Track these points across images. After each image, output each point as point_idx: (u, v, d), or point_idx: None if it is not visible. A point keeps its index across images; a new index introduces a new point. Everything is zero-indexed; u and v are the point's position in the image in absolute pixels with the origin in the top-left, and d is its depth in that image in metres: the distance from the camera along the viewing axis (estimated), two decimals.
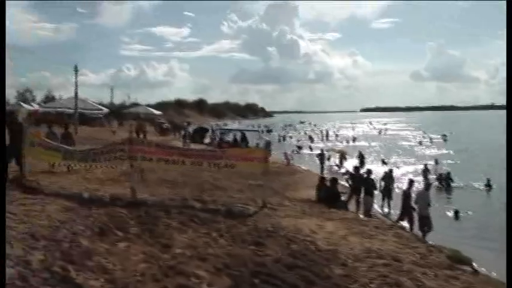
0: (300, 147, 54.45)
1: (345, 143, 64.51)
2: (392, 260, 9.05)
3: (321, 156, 36.85)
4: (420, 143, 65.54)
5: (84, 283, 6.30)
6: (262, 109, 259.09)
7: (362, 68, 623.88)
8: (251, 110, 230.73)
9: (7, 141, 13.84)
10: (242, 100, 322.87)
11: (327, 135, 79.63)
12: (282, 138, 73.43)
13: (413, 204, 17.42)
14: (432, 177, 32.10)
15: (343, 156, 40.72)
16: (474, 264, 11.05)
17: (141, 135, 34.95)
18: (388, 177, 22.80)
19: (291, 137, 77.67)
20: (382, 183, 22.37)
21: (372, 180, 20.30)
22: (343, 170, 34.08)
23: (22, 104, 68.03)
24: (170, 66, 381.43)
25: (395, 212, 20.43)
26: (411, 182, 18.74)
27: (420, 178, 30.93)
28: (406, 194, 17.96)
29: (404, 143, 68.29)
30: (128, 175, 13.42)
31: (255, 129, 70.17)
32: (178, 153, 13.26)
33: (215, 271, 7.31)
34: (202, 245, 8.70)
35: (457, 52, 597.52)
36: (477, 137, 70.18)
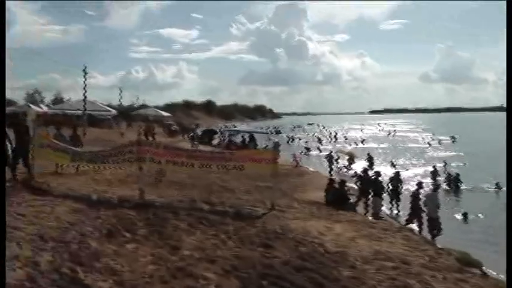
0: (308, 149, 54.36)
1: (353, 145, 64.42)
2: (401, 263, 9.01)
3: (330, 158, 36.82)
4: (429, 144, 65.31)
5: (92, 284, 6.30)
6: (271, 111, 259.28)
7: (370, 69, 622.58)
8: (259, 112, 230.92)
9: (12, 143, 13.96)
10: (250, 102, 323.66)
11: (336, 137, 79.52)
12: (290, 139, 73.36)
13: (422, 206, 17.34)
14: (441, 179, 32.01)
15: (351, 158, 40.62)
16: (483, 267, 10.99)
17: (150, 137, 35.02)
18: (396, 179, 22.71)
19: (299, 139, 77.55)
20: (390, 186, 22.28)
21: (381, 182, 20.25)
22: (351, 172, 34.00)
23: (31, 105, 68.28)
24: (179, 68, 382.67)
25: (404, 214, 20.39)
26: (420, 184, 18.64)
27: (429, 180, 30.85)
28: (415, 196, 17.86)
29: (413, 144, 68.07)
30: (137, 176, 13.45)
31: (263, 131, 70.13)
32: (186, 155, 13.28)
33: (223, 273, 7.29)
34: (210, 246, 8.69)
35: (466, 53, 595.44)
36: (486, 138, 69.71)
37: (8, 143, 13.93)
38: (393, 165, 38.74)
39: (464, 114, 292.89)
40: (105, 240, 8.40)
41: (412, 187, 21.64)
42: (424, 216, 17.16)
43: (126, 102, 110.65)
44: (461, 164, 41.29)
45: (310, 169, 34.34)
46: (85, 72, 56.80)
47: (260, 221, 11.17)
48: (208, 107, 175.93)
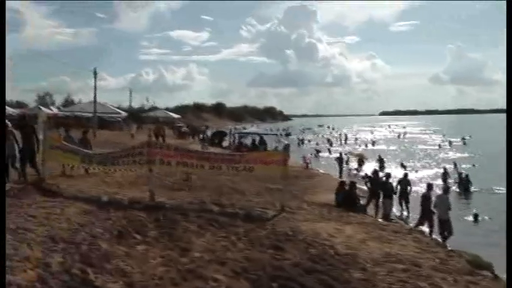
0: (318, 151, 54.23)
1: (363, 147, 64.26)
2: (412, 265, 8.97)
3: (340, 160, 36.72)
4: (439, 146, 65.00)
5: (102, 286, 6.31)
6: (281, 112, 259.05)
7: (381, 71, 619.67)
8: (269, 114, 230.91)
9: (19, 144, 14.10)
10: (260, 104, 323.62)
11: (346, 139, 79.37)
12: (300, 141, 73.28)
13: (432, 208, 17.24)
14: (451, 181, 31.85)
15: (361, 160, 40.50)
16: (495, 269, 10.90)
17: (160, 139, 35.05)
18: (404, 180, 22.60)
19: (309, 141, 77.47)
20: (399, 187, 22.17)
21: (391, 184, 20.18)
22: (361, 174, 33.90)
23: (41, 107, 68.72)
24: (189, 70, 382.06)
25: (413, 216, 20.31)
26: (430, 186, 18.53)
27: (439, 182, 30.69)
28: (426, 198, 17.76)
29: (423, 146, 67.74)
30: (147, 178, 13.48)
31: (273, 133, 70.08)
32: (196, 156, 13.26)
33: (233, 275, 7.29)
34: (220, 248, 8.69)
35: (477, 55, 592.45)
36: (497, 140, 69.32)
37: (15, 144, 14.08)
38: (403, 167, 38.53)
39: (475, 115, 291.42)
40: (115, 241, 8.42)
41: (422, 189, 21.55)
42: (435, 218, 17.08)
43: (136, 104, 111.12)
44: (472, 166, 41.03)
45: (320, 171, 34.29)
46: (95, 75, 57.16)
47: (270, 223, 11.15)
48: (218, 109, 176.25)
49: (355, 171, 37.78)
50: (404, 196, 22.00)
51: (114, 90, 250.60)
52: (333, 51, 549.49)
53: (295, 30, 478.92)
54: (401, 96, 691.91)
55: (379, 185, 19.72)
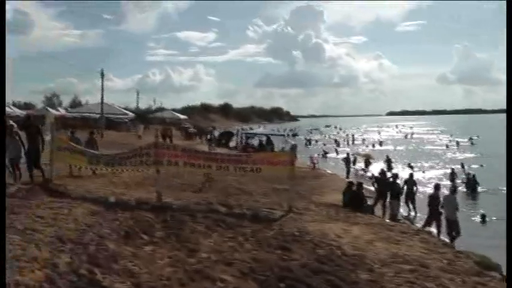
0: (326, 152, 54.15)
1: (370, 147, 64.18)
2: (419, 266, 8.92)
3: (347, 160, 36.69)
4: (447, 146, 64.85)
5: (110, 286, 6.32)
6: (288, 113, 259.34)
7: (388, 71, 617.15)
8: (276, 114, 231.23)
9: (25, 145, 14.20)
10: (267, 104, 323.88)
11: (353, 139, 79.28)
12: (307, 142, 73.24)
13: (440, 209, 17.19)
14: (459, 181, 31.77)
15: (368, 160, 40.45)
16: (503, 270, 10.85)
17: (167, 140, 35.14)
18: (410, 181, 22.55)
19: (316, 141, 77.44)
20: (405, 187, 22.13)
21: (398, 184, 20.16)
22: (369, 174, 33.87)
23: (49, 108, 69.05)
24: (196, 71, 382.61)
25: (419, 216, 20.29)
26: (438, 186, 18.47)
27: (447, 182, 30.61)
28: (433, 198, 17.71)
29: (430, 146, 67.68)
30: (154, 179, 13.50)
31: (280, 133, 70.09)
32: (204, 157, 13.26)
33: (241, 275, 7.28)
34: (228, 249, 8.68)
35: (484, 55, 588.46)
36: (505, 140, 68.97)
37: (21, 145, 14.17)
38: (411, 168, 38.45)
39: (482, 115, 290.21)
40: (122, 242, 8.43)
41: (430, 189, 21.50)
42: (443, 219, 17.03)
43: (143, 105, 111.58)
44: (480, 166, 40.91)
45: (328, 171, 34.28)
46: (102, 76, 57.50)
47: (277, 223, 11.13)
48: (225, 110, 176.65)
49: (362, 172, 37.74)
50: (411, 196, 21.98)
51: (121, 91, 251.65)
52: (339, 51, 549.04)
53: (302, 31, 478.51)
54: (408, 96, 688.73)
55: (386, 186, 19.70)
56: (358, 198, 17.34)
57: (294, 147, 16.71)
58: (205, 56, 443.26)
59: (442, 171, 38.10)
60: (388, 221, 16.17)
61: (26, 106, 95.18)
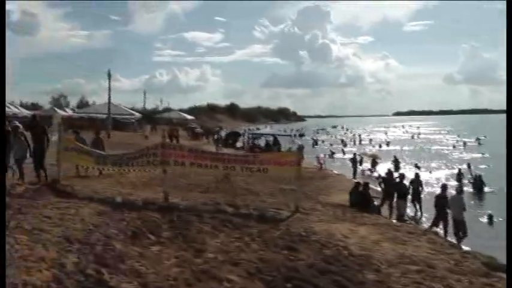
0: (333, 153, 54.07)
1: (377, 147, 64.05)
2: (426, 267, 8.90)
3: (354, 161, 36.62)
4: (454, 147, 64.63)
5: (117, 286, 6.33)
6: (294, 113, 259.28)
7: (394, 71, 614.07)
8: (283, 114, 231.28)
9: (31, 145, 14.28)
10: (274, 104, 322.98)
11: (360, 140, 79.16)
12: (314, 142, 73.21)
13: (447, 209, 17.13)
14: (465, 181, 31.67)
15: (375, 161, 40.36)
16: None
17: (174, 140, 35.19)
18: (416, 181, 22.48)
19: (323, 142, 77.39)
20: (411, 188, 22.07)
21: (405, 184, 20.10)
22: (375, 174, 33.79)
23: (56, 109, 69.30)
24: (202, 71, 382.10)
25: (425, 216, 20.24)
26: (445, 187, 18.39)
27: (453, 183, 30.51)
28: (441, 199, 17.63)
29: (437, 147, 67.43)
30: (161, 179, 13.52)
31: (287, 134, 70.05)
32: (210, 157, 13.28)
33: (247, 276, 7.27)
34: (234, 249, 8.69)
35: (491, 55, 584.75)
36: None
37: (27, 146, 14.23)
38: (418, 168, 38.34)
39: (489, 115, 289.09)
40: (129, 242, 8.44)
41: (437, 189, 21.43)
42: (450, 219, 16.97)
43: (150, 106, 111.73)
44: (487, 166, 40.75)
45: (334, 172, 34.25)
46: (109, 76, 57.46)
47: (284, 223, 11.14)
48: (232, 110, 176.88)
49: (369, 172, 37.67)
50: (417, 197, 21.92)
51: (128, 92, 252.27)
52: (346, 51, 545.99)
53: (309, 31, 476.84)
54: (415, 96, 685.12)
55: (392, 186, 19.65)
56: (365, 199, 17.33)
57: (300, 148, 16.71)
58: (212, 57, 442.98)
59: (449, 172, 37.99)
60: (394, 221, 16.16)
61: (33, 107, 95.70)
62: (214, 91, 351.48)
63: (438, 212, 17.44)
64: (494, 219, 20.72)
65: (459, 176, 33.13)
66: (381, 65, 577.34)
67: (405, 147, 65.28)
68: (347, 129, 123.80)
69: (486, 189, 29.16)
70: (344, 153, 53.69)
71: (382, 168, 32.88)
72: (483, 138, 73.64)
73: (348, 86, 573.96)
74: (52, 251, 7.09)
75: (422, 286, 7.76)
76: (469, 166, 38.41)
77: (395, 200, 19.38)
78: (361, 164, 39.17)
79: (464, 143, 67.33)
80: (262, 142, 49.03)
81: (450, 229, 16.81)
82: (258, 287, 6.96)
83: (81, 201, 11.42)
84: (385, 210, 18.62)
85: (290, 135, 68.68)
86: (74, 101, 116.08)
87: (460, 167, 36.54)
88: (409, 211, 21.23)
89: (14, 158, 14.00)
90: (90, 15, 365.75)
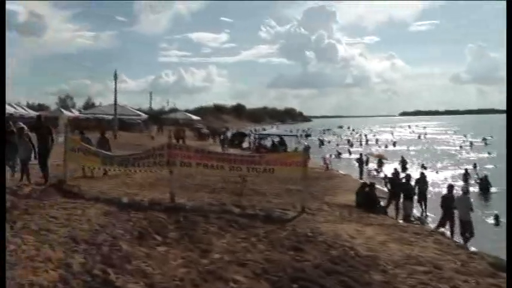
0: (339, 153, 54.00)
1: (384, 148, 63.96)
2: (433, 267, 8.86)
3: (360, 161, 36.57)
4: (460, 147, 64.48)
5: (123, 286, 6.33)
6: (301, 114, 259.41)
7: (400, 71, 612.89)
8: (289, 115, 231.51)
9: (35, 145, 14.34)
10: (280, 105, 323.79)
11: (367, 140, 79.08)
12: (321, 142, 73.17)
13: (454, 210, 17.08)
14: (471, 182, 31.59)
15: (381, 161, 40.31)
16: None
17: (180, 141, 35.19)
18: (422, 181, 22.41)
19: (329, 142, 77.36)
20: (417, 188, 22.02)
21: (411, 185, 20.04)
22: (382, 175, 33.73)
23: (63, 110, 69.51)
24: (208, 72, 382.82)
25: (431, 217, 20.18)
26: (451, 187, 18.34)
27: (460, 183, 30.44)
28: (447, 199, 17.59)
29: (444, 147, 67.32)
30: (167, 180, 13.53)
31: (293, 134, 70.04)
32: (217, 158, 13.27)
33: (254, 276, 7.26)
34: (240, 250, 8.67)
35: (498, 54, 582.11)
36: None
37: (31, 147, 14.29)
38: (424, 168, 38.28)
39: (496, 115, 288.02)
40: (136, 242, 8.45)
41: (443, 190, 21.38)
42: (456, 220, 16.92)
43: (156, 106, 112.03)
44: (493, 166, 40.61)
45: (341, 172, 34.21)
46: (115, 77, 57.44)
47: (290, 224, 11.12)
48: (238, 111, 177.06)
49: (375, 172, 37.61)
50: (422, 197, 21.87)
51: (134, 93, 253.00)
52: (352, 51, 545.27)
53: (315, 31, 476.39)
54: (421, 96, 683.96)
55: (399, 186, 19.60)
56: (371, 199, 17.29)
57: (307, 148, 16.69)
58: (218, 57, 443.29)
59: (455, 172, 37.89)
60: (401, 222, 16.12)
61: (40, 107, 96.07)
62: (220, 91, 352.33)
63: (445, 213, 17.40)
64: (501, 220, 20.64)
65: (466, 176, 33.04)
66: (387, 65, 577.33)
67: (411, 148, 65.19)
68: (353, 130, 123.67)
69: (493, 189, 29.06)
70: (350, 153, 53.65)
71: (389, 169, 32.83)
72: (490, 138, 73.44)
73: (354, 86, 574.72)
74: (59, 251, 7.11)
75: (429, 287, 7.72)
76: (475, 166, 38.33)
77: (401, 200, 19.33)
78: (367, 164, 39.14)
79: (471, 143, 67.22)
80: (268, 142, 49.04)
81: (457, 229, 16.78)
82: (264, 287, 6.95)
83: (87, 201, 11.46)
84: (391, 211, 18.56)
85: (296, 136, 68.62)
86: (80, 102, 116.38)
87: (466, 167, 36.42)
88: (416, 212, 21.18)
89: (19, 159, 14.07)
90: (96, 17, 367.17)
